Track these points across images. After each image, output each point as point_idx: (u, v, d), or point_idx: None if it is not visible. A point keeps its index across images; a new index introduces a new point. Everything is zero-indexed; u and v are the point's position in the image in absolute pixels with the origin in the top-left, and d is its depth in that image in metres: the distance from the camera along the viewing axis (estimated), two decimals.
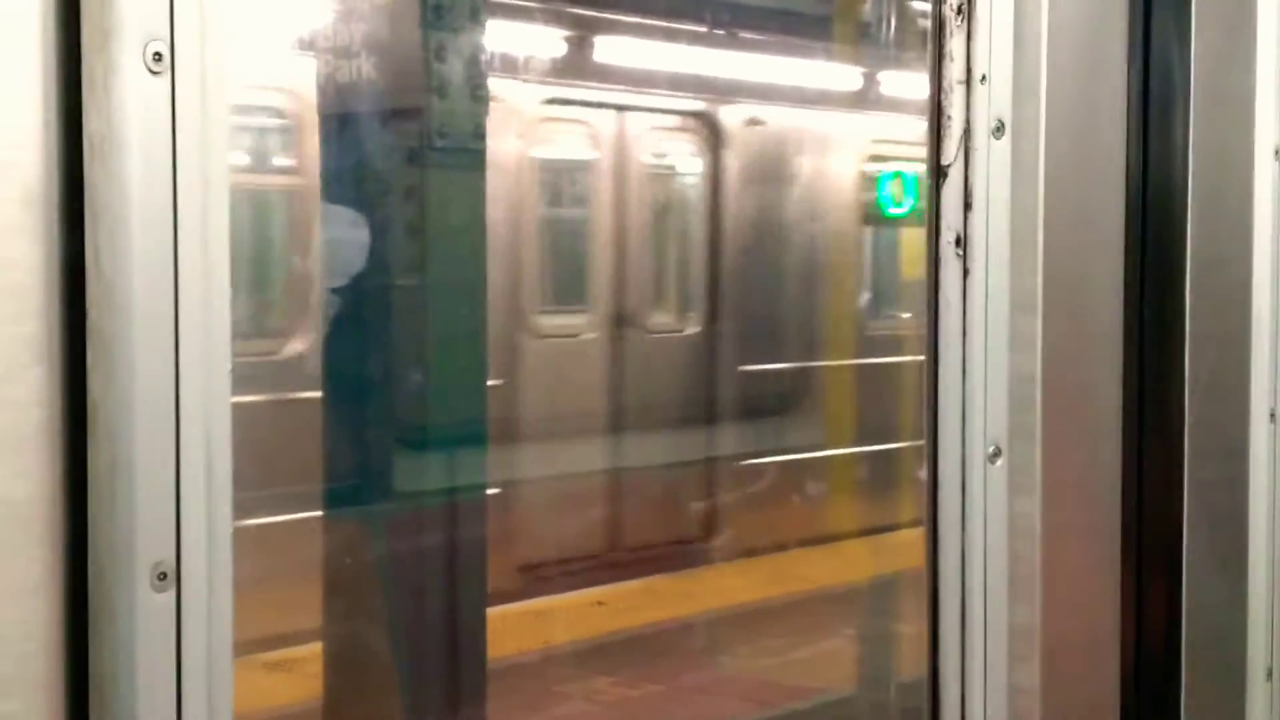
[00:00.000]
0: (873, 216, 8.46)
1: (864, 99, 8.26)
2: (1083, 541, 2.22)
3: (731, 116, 8.15)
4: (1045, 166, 2.14)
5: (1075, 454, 2.20)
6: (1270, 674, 2.44)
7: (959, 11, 2.11)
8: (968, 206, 2.11)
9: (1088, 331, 2.22)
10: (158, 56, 1.33)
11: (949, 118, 2.13)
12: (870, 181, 8.35)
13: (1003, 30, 2.11)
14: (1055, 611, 2.15)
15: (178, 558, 1.35)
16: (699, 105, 8.13)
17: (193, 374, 1.35)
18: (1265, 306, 2.44)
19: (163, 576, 1.34)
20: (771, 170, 8.38)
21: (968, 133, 2.12)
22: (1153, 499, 2.30)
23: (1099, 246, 2.23)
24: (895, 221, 8.14)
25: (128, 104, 1.32)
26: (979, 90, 2.11)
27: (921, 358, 2.15)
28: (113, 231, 1.32)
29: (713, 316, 8.15)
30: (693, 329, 8.18)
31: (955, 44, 2.12)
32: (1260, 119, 2.44)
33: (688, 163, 8.31)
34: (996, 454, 2.11)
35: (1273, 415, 2.44)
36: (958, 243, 2.12)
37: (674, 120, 8.25)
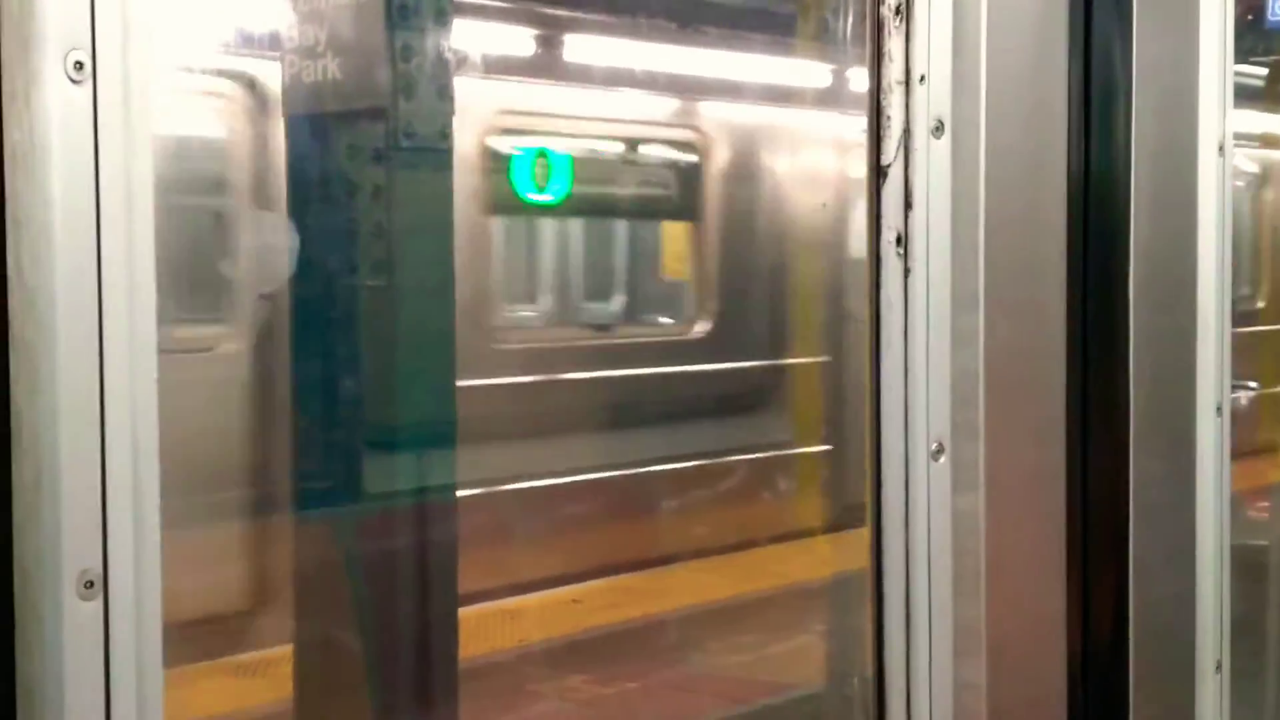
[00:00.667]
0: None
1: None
2: (1028, 537, 2.23)
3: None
4: (986, 165, 2.15)
5: (1019, 450, 2.21)
6: (1219, 667, 2.45)
7: (897, 12, 2.13)
8: (908, 206, 2.13)
9: (1031, 328, 2.23)
10: (79, 65, 1.34)
11: (888, 118, 2.14)
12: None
13: (941, 30, 2.12)
14: (1001, 607, 2.16)
15: (104, 566, 1.35)
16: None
17: (118, 383, 1.35)
18: (1210, 300, 2.45)
19: (89, 585, 1.35)
20: None
21: (907, 133, 2.13)
22: (1098, 494, 2.32)
23: (1041, 243, 2.25)
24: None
25: (49, 114, 1.32)
26: (918, 90, 2.13)
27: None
28: (35, 242, 1.32)
29: None
30: None
31: (894, 44, 2.13)
32: (1203, 115, 2.46)
33: None
34: (940, 451, 2.12)
35: (1219, 409, 2.45)
36: (899, 241, 2.13)
37: None
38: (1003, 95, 2.17)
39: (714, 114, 8.44)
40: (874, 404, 2.14)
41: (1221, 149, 2.46)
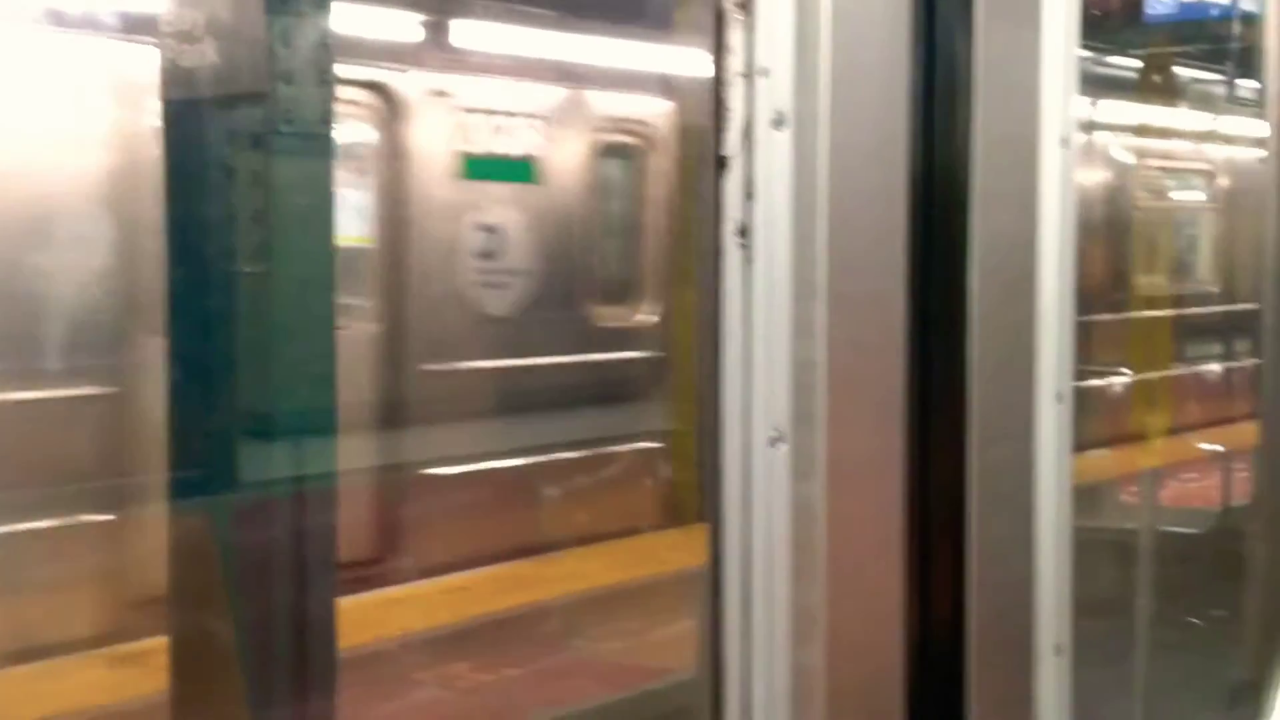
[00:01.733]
0: None
1: None
2: (867, 523, 2.27)
3: None
4: (828, 157, 2.18)
5: (859, 438, 2.25)
6: (1059, 650, 2.51)
7: (740, 6, 2.15)
8: (749, 197, 2.16)
9: (871, 318, 2.27)
10: None
11: (730, 110, 2.17)
12: None
13: (783, 23, 2.15)
14: (839, 592, 2.20)
15: None
16: None
17: None
18: (1052, 290, 2.50)
19: None
20: None
21: (749, 124, 2.16)
22: (939, 481, 2.36)
23: (883, 235, 2.28)
24: None
25: None
26: (760, 83, 2.15)
27: None
28: None
29: None
30: None
31: (735, 37, 2.16)
32: (1046, 109, 2.51)
33: None
34: (779, 439, 2.15)
35: (1059, 396, 2.50)
36: (740, 232, 2.16)
37: None
38: (845, 88, 2.20)
39: None
40: (714, 393, 2.17)
41: (1064, 141, 2.51)
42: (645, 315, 8.78)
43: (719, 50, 2.16)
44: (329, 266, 4.75)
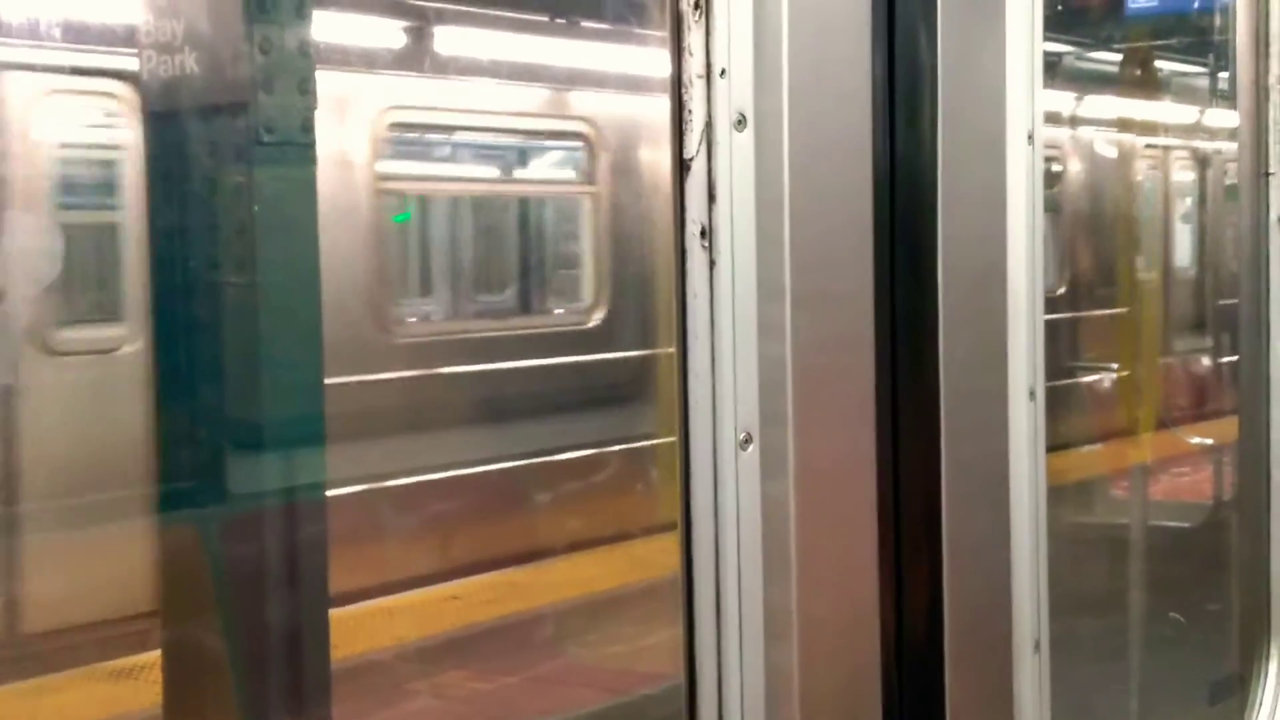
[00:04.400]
0: None
1: None
2: (839, 522, 2.27)
3: None
4: (790, 157, 2.17)
5: (828, 437, 2.24)
6: (1038, 646, 2.50)
7: (696, 6, 2.15)
8: (711, 199, 2.15)
9: (838, 316, 2.26)
10: None
11: (690, 112, 2.16)
12: None
13: (741, 24, 2.15)
14: (811, 592, 2.19)
15: None
16: None
17: None
18: (1022, 284, 2.50)
19: None
20: None
21: (709, 126, 2.15)
22: (910, 478, 2.35)
23: (847, 233, 2.28)
24: None
25: None
26: (719, 84, 2.15)
27: None
28: None
29: None
30: None
31: (694, 39, 2.15)
32: (1011, 104, 2.50)
33: None
34: (748, 440, 2.15)
35: (1032, 392, 2.50)
36: (703, 234, 2.15)
37: None
38: (806, 88, 2.20)
39: None
40: (681, 396, 2.16)
41: (1030, 136, 2.51)
42: None
43: (677, 52, 2.15)
44: (313, 274, 4.74)
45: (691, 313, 2.15)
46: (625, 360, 9.65)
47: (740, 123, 2.15)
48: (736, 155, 2.15)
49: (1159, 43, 7.55)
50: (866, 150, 2.30)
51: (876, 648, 2.30)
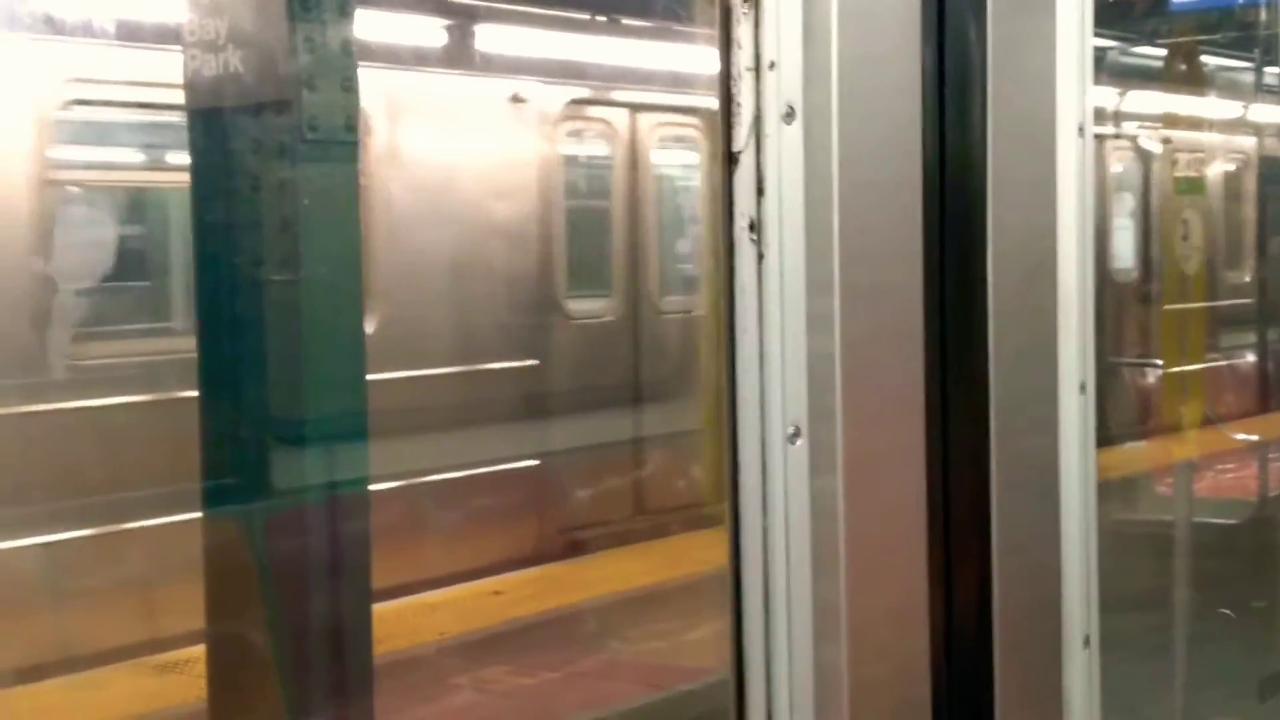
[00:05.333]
0: None
1: None
2: (887, 518, 2.25)
3: None
4: (839, 150, 2.16)
5: (877, 432, 2.23)
6: (1087, 641, 2.48)
7: (745, 0, 2.14)
8: (760, 192, 2.14)
9: (887, 310, 2.25)
10: None
11: (739, 104, 2.15)
12: None
13: (790, 17, 2.14)
14: (861, 588, 2.18)
15: None
16: None
17: None
18: (1072, 278, 2.48)
19: None
20: None
21: (758, 119, 2.14)
22: (960, 474, 2.34)
23: (896, 226, 2.26)
24: None
25: None
26: (768, 77, 2.14)
27: None
28: None
29: None
30: None
31: (743, 31, 2.14)
32: (1061, 97, 2.48)
33: None
34: (796, 435, 2.14)
35: (1083, 387, 2.48)
36: (751, 228, 2.14)
37: None
38: (855, 80, 2.19)
39: None
40: (730, 390, 2.15)
41: (1081, 129, 2.49)
42: None
43: (726, 45, 2.15)
44: (355, 272, 4.75)
45: (740, 306, 2.15)
46: None
47: (789, 116, 2.14)
48: (785, 148, 2.14)
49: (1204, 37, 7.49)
50: (916, 143, 2.28)
51: (925, 644, 2.28)
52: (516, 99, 9.62)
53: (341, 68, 4.41)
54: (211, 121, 4.59)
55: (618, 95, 10.59)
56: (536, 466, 9.68)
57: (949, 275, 2.33)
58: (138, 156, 8.89)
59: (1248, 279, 12.74)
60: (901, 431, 2.26)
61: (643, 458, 10.29)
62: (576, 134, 10.47)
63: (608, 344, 10.56)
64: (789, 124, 2.13)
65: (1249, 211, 13.16)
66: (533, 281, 9.89)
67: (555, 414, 10.02)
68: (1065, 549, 2.47)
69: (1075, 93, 2.49)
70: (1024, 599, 2.43)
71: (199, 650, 5.00)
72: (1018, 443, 2.41)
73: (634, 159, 10.67)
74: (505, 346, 9.75)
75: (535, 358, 9.84)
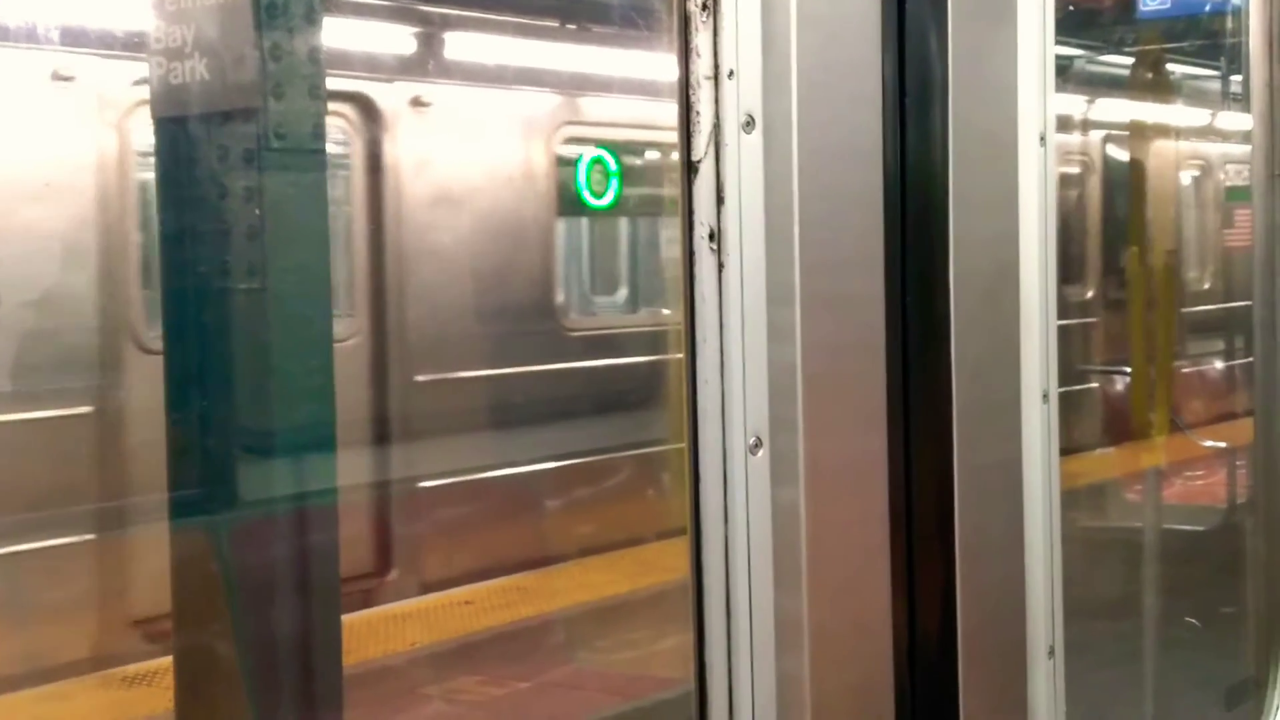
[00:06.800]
0: None
1: None
2: (850, 528, 2.24)
3: None
4: (799, 159, 2.15)
5: (839, 442, 2.22)
6: (1052, 651, 2.48)
7: (704, 8, 2.13)
8: (720, 201, 2.13)
9: (849, 320, 2.24)
10: None
11: (698, 113, 2.14)
12: None
13: (749, 25, 2.13)
14: (823, 599, 2.17)
15: None
16: None
17: None
18: (1034, 287, 2.47)
19: None
20: None
21: (717, 128, 2.13)
22: (922, 483, 2.33)
23: (857, 235, 2.26)
24: None
25: None
26: (727, 85, 2.13)
27: None
28: None
29: None
30: None
31: (701, 40, 2.13)
32: (1023, 106, 2.48)
33: None
34: (758, 445, 2.13)
35: (1045, 396, 2.47)
36: (711, 237, 2.13)
37: None
38: (815, 89, 2.18)
39: None
40: (690, 400, 2.14)
41: (1043, 138, 2.49)
42: None
43: (684, 53, 2.14)
44: (324, 280, 4.72)
45: (700, 316, 2.13)
46: None
47: (749, 124, 2.13)
48: (745, 157, 2.13)
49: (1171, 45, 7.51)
50: (877, 152, 2.28)
51: (889, 654, 2.27)
52: None
53: (308, 75, 4.39)
54: (178, 129, 4.56)
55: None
56: None
57: (911, 284, 2.32)
58: None
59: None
60: (864, 441, 2.26)
61: None
62: None
63: None
64: (749, 133, 2.13)
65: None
66: None
67: None
68: (1029, 559, 2.46)
69: (1036, 101, 2.49)
70: (988, 609, 2.43)
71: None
72: (981, 452, 2.40)
73: None
74: None
75: None
